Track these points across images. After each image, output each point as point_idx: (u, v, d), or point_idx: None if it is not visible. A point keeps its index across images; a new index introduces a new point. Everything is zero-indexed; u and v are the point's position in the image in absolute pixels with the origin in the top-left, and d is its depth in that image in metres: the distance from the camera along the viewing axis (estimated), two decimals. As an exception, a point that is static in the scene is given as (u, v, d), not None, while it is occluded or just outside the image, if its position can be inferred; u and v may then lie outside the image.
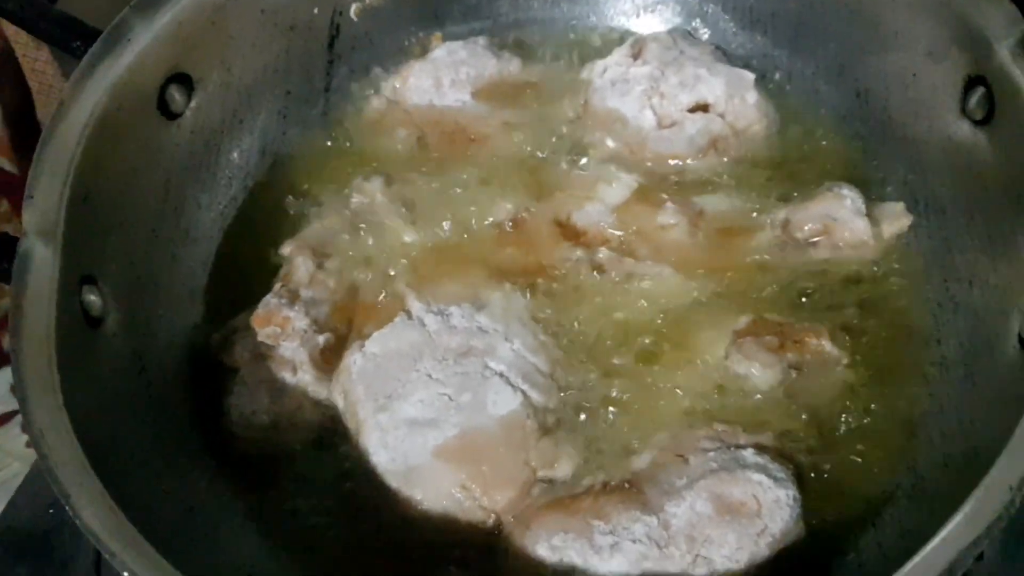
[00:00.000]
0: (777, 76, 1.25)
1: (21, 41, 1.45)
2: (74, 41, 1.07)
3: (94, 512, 0.74)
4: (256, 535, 0.94)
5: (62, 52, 1.09)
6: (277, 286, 1.06)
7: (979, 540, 0.69)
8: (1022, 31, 0.91)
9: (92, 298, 0.92)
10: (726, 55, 1.26)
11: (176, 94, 1.07)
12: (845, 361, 0.99)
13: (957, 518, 0.70)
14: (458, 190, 1.16)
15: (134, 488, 0.81)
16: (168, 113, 1.07)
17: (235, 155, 1.19)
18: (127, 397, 0.94)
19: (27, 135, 1.53)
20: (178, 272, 1.08)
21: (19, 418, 1.50)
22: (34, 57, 1.46)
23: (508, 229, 1.13)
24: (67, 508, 0.74)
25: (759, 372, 0.98)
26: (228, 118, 1.16)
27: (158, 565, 0.73)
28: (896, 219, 1.08)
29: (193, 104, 1.10)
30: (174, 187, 1.09)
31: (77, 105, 0.95)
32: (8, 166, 1.57)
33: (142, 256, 1.03)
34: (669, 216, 1.11)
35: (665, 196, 1.13)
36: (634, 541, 0.85)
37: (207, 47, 1.10)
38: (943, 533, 0.70)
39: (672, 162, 1.17)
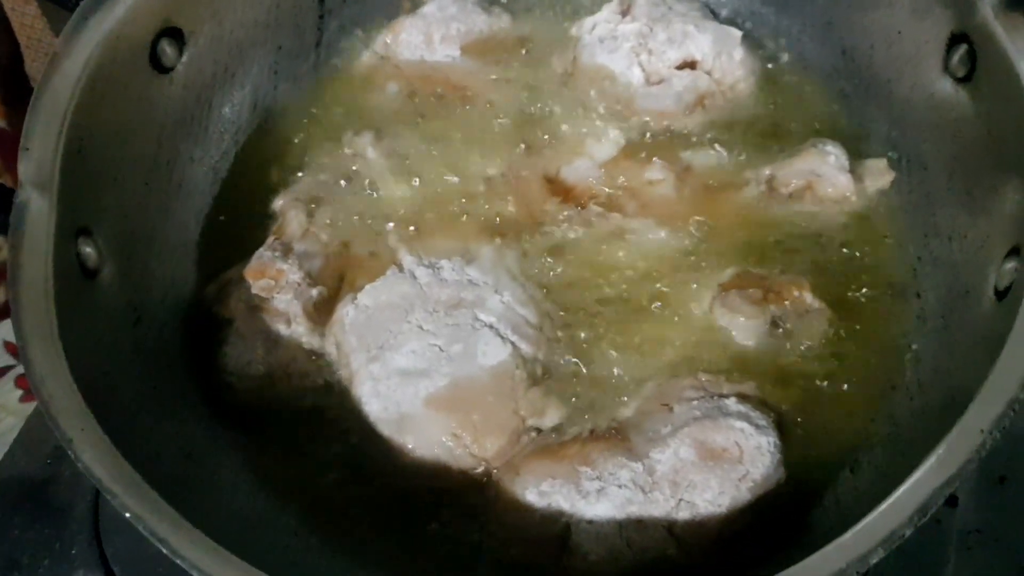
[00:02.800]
0: (764, 33, 1.26)
1: (10, -6, 1.45)
2: (66, -7, 1.07)
3: (95, 455, 0.76)
4: (252, 482, 0.96)
5: (53, 5, 1.09)
6: (270, 239, 1.08)
7: (951, 481, 0.71)
8: (1004, -11, 0.93)
9: (88, 250, 0.93)
10: (713, 12, 1.27)
11: (168, 48, 1.07)
12: (826, 313, 1.01)
13: (930, 460, 0.73)
14: (448, 145, 1.18)
15: (133, 434, 0.82)
16: (160, 67, 1.07)
17: (227, 109, 1.19)
18: (124, 347, 0.95)
19: (16, 89, 1.53)
20: (172, 225, 1.09)
21: (13, 373, 1.51)
22: (23, 11, 1.46)
23: (498, 184, 1.14)
24: (69, 452, 0.75)
25: (743, 324, 1.01)
26: (220, 72, 1.16)
27: (158, 507, 0.74)
28: (879, 175, 1.10)
29: (185, 58, 1.10)
30: (166, 141, 1.10)
31: (70, 58, 0.95)
32: (-2, 120, 1.57)
33: (136, 209, 1.04)
34: (656, 172, 1.13)
35: (653, 152, 1.15)
36: (620, 486, 0.88)
37: (198, 1, 1.10)
38: (917, 475, 0.72)
39: (660, 118, 1.18)
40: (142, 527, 0.72)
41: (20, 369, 1.41)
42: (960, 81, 1.00)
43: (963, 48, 0.99)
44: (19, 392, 1.54)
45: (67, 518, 1.09)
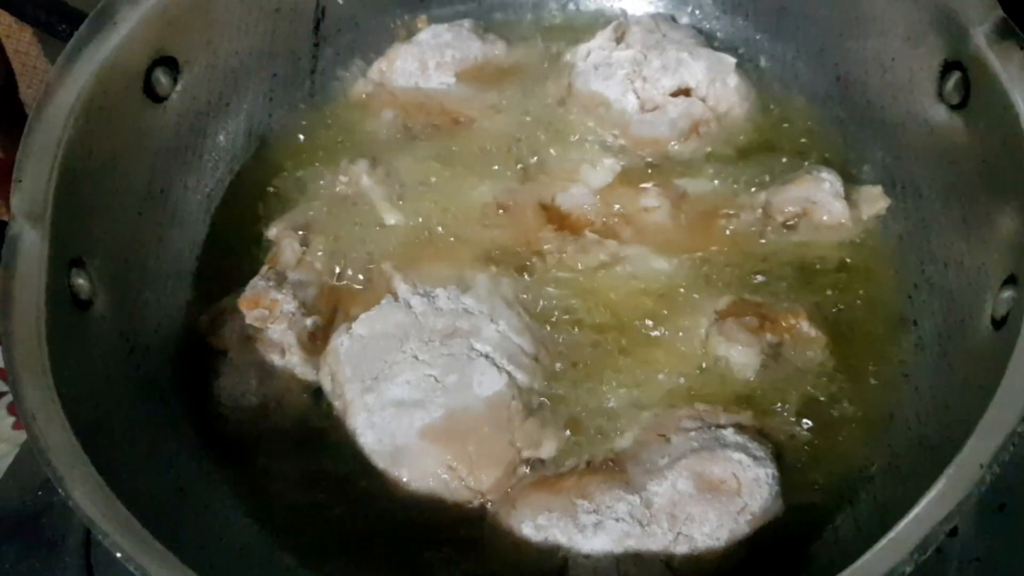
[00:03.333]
0: (758, 60, 1.26)
1: (4, 22, 1.44)
2: (60, 24, 1.07)
3: (86, 493, 0.75)
4: (245, 515, 0.95)
5: (47, 35, 1.09)
6: (264, 268, 1.07)
7: (951, 517, 0.70)
8: (997, 16, 0.93)
9: (80, 281, 0.92)
10: (708, 39, 1.27)
11: (162, 77, 1.07)
12: (823, 341, 1.01)
13: (930, 496, 0.72)
14: (444, 173, 1.17)
15: (124, 469, 0.81)
16: (154, 96, 1.07)
17: (221, 138, 1.19)
18: (116, 379, 0.94)
19: (10, 116, 1.52)
20: (165, 254, 1.09)
21: (5, 400, 1.50)
22: (17, 38, 1.46)
23: (493, 211, 1.13)
24: (59, 490, 0.75)
25: (739, 353, 1.00)
26: (214, 101, 1.16)
27: (150, 545, 0.73)
28: (874, 202, 1.10)
29: (179, 87, 1.10)
30: (160, 170, 1.09)
31: (64, 88, 0.95)
32: (-8, 147, 1.56)
33: (129, 239, 1.03)
34: (652, 199, 1.13)
35: (648, 179, 1.15)
36: (617, 519, 0.87)
37: (193, 30, 1.10)
38: (916, 510, 0.71)
39: (655, 145, 1.18)
40: (133, 567, 0.71)
41: (13, 396, 1.39)
42: (954, 108, 1.00)
43: (957, 75, 0.99)
44: (12, 419, 1.53)
45: (59, 550, 1.07)
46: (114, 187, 1.01)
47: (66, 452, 0.77)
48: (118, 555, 0.72)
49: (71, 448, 0.77)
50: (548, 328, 1.04)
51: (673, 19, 1.29)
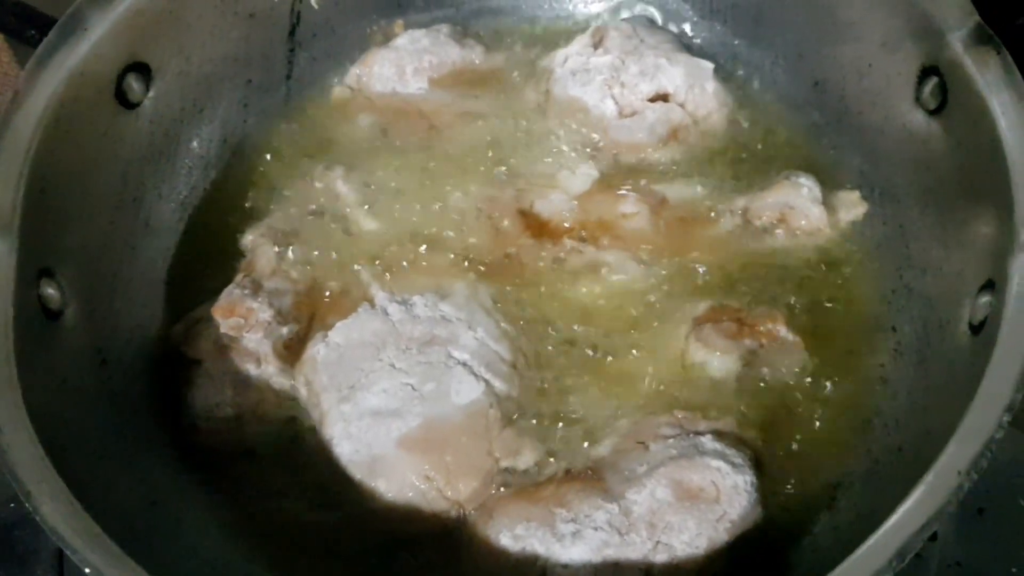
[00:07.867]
0: (736, 66, 1.26)
1: (-26, 28, 1.42)
2: (29, 30, 1.06)
3: (55, 509, 0.74)
4: (220, 528, 0.94)
5: (17, 40, 1.08)
6: (239, 276, 1.06)
7: (928, 524, 0.70)
8: (974, 22, 0.93)
9: (50, 291, 0.91)
10: (686, 45, 1.26)
11: (134, 83, 1.06)
12: (801, 347, 1.01)
13: (907, 503, 0.72)
14: (421, 179, 1.17)
15: (95, 483, 0.80)
16: (126, 103, 1.05)
17: (195, 144, 1.17)
18: (87, 391, 0.93)
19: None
20: (138, 263, 1.07)
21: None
22: (-13, 44, 1.44)
23: (471, 218, 1.13)
24: (27, 505, 0.74)
25: (718, 359, 1.00)
26: (188, 107, 1.15)
27: (121, 561, 0.72)
28: (852, 207, 1.10)
29: (152, 94, 1.09)
30: (133, 177, 1.08)
31: (33, 95, 0.93)
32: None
33: (101, 248, 1.02)
34: (630, 205, 1.12)
35: (626, 185, 1.15)
36: (596, 528, 0.86)
37: (165, 36, 1.09)
38: (893, 518, 0.71)
39: (633, 151, 1.17)
40: (104, 584, 0.70)
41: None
42: (932, 113, 1.00)
43: (934, 81, 0.99)
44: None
45: (32, 564, 1.06)
46: (85, 195, 1.00)
47: (34, 466, 0.76)
48: (87, 571, 0.71)
49: (39, 462, 0.76)
50: (526, 335, 1.03)
51: (651, 24, 1.28)
